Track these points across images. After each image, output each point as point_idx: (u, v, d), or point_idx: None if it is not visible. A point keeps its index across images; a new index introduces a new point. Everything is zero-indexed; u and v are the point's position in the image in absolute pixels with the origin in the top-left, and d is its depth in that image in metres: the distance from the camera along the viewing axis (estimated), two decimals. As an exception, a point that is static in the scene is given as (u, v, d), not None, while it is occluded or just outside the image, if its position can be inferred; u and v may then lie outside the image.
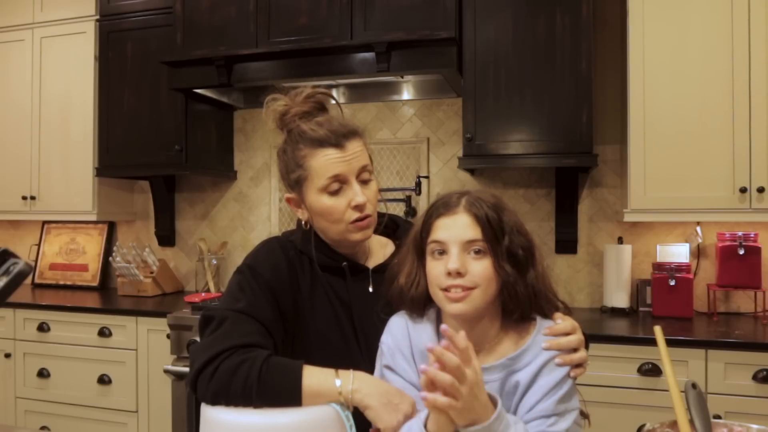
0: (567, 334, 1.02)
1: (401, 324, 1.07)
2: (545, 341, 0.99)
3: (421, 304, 1.05)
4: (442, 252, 0.99)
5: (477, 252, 0.97)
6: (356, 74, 2.59)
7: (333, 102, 1.27)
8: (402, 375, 1.03)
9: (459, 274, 0.96)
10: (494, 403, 0.88)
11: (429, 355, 0.85)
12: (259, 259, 1.19)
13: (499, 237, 0.98)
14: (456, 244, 0.97)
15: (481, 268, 0.97)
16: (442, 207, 1.01)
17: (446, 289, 0.97)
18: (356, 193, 1.14)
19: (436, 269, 0.99)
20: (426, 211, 1.04)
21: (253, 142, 3.31)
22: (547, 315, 1.04)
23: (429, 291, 1.02)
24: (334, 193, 1.15)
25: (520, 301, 1.00)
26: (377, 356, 1.10)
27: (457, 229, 0.98)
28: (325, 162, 1.14)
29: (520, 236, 1.00)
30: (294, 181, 1.19)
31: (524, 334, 1.02)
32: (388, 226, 1.32)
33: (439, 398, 0.83)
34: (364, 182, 1.17)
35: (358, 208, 1.15)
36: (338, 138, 1.14)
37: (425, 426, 0.90)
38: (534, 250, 1.02)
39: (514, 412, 0.97)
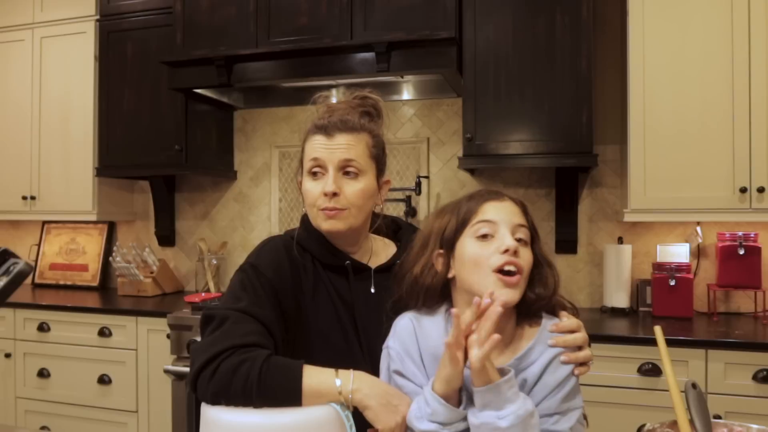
0: (572, 331, 1.02)
1: (408, 327, 1.06)
2: (551, 338, 1.00)
3: (436, 296, 1.06)
4: (485, 236, 1.00)
5: (519, 240, 1.00)
6: (356, 74, 2.59)
7: (378, 106, 1.30)
8: (413, 380, 1.03)
9: (515, 252, 0.97)
10: (505, 372, 0.91)
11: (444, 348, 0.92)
12: (261, 258, 1.20)
13: (535, 232, 1.04)
14: (506, 224, 1.00)
15: (528, 255, 1.00)
16: (487, 194, 1.05)
17: (500, 270, 0.97)
18: (328, 182, 1.16)
19: (484, 251, 0.98)
20: (465, 200, 1.06)
21: (253, 142, 3.31)
22: (555, 314, 1.05)
23: (466, 278, 1.00)
24: (314, 178, 1.19)
25: (546, 292, 1.02)
26: (382, 360, 1.09)
27: (506, 212, 1.01)
28: (311, 146, 1.20)
29: (540, 239, 1.06)
30: (299, 161, 1.25)
31: (530, 332, 1.03)
32: (391, 228, 1.33)
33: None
34: (349, 178, 1.18)
35: (326, 195, 1.16)
36: (330, 128, 1.19)
37: (432, 389, 0.93)
38: (548, 256, 1.07)
39: None
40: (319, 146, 1.18)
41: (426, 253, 1.06)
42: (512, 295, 0.96)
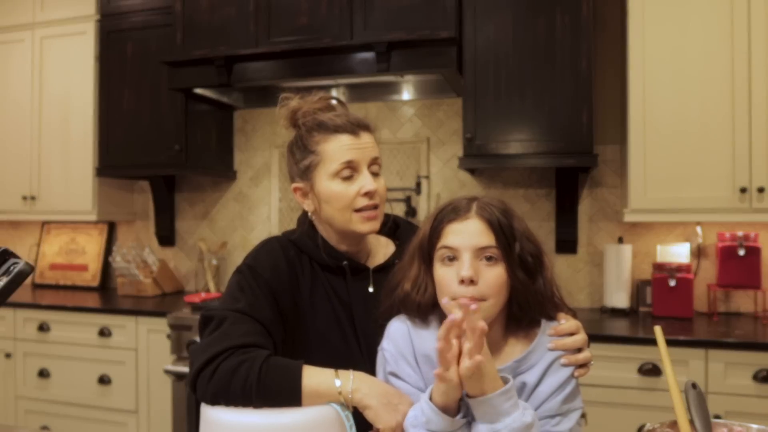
0: (571, 334, 1.02)
1: (402, 329, 1.05)
2: (550, 341, 1.00)
3: (428, 311, 1.04)
4: (453, 258, 0.97)
5: (489, 259, 0.95)
6: (356, 74, 2.59)
7: (340, 105, 1.28)
8: (408, 381, 1.02)
9: (471, 281, 0.94)
10: (506, 382, 0.89)
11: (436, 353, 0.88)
12: (259, 259, 1.19)
13: (511, 243, 0.96)
14: (468, 250, 0.95)
15: (493, 276, 0.95)
16: (452, 212, 0.99)
17: (456, 299, 0.94)
18: (367, 180, 1.15)
19: (447, 276, 0.97)
20: (433, 216, 1.02)
21: (253, 142, 3.31)
22: (552, 318, 1.04)
23: (437, 297, 1.00)
24: (346, 179, 1.16)
25: (529, 308, 0.99)
26: (378, 362, 1.09)
27: (469, 235, 0.96)
28: (339, 147, 1.16)
29: (530, 243, 0.99)
30: (304, 168, 1.20)
31: (530, 336, 1.02)
32: (390, 227, 1.32)
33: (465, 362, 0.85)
34: (375, 174, 1.18)
35: (369, 195, 1.15)
36: (354, 127, 1.17)
37: (431, 399, 0.92)
38: (543, 257, 1.01)
39: None
40: (349, 147, 1.16)
41: (413, 267, 1.04)
42: (474, 322, 0.91)
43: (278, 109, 1.25)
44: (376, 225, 1.19)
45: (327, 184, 1.17)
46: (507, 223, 0.97)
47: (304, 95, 1.25)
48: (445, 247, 0.97)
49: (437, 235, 0.99)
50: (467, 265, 0.94)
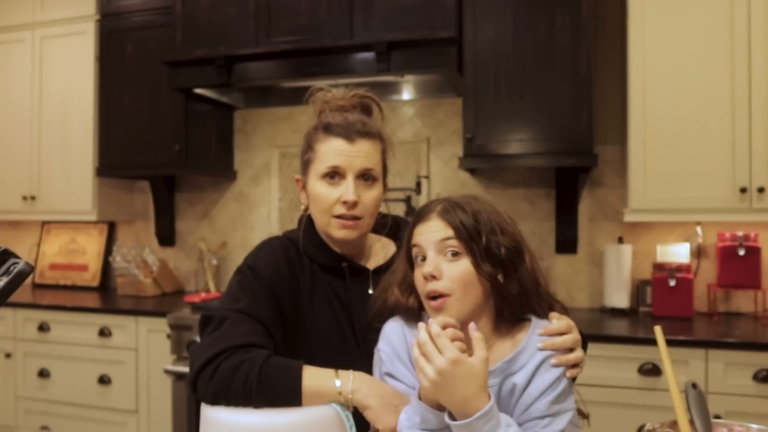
0: (562, 333, 1.00)
1: (397, 329, 1.06)
2: (540, 341, 0.98)
3: (417, 313, 1.05)
4: (424, 258, 0.99)
5: (454, 254, 0.97)
6: (356, 74, 2.59)
7: (376, 107, 1.28)
8: (403, 381, 1.02)
9: (433, 277, 0.96)
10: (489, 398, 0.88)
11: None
12: (259, 259, 1.19)
13: (473, 237, 0.97)
14: (431, 246, 0.98)
15: (456, 270, 0.96)
16: (420, 215, 1.02)
17: (428, 296, 0.97)
18: (348, 190, 1.15)
19: (418, 275, 1.00)
20: (413, 216, 1.05)
21: (253, 142, 3.31)
22: (542, 315, 1.03)
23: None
24: (331, 183, 1.16)
25: (511, 302, 1.00)
26: (374, 364, 1.09)
27: (430, 232, 0.99)
28: (330, 149, 1.16)
29: (503, 236, 0.98)
30: (304, 162, 1.22)
31: (519, 336, 1.01)
32: (391, 228, 1.32)
33: (417, 373, 0.87)
34: (366, 185, 1.17)
35: (346, 204, 1.15)
36: (351, 132, 1.16)
37: (419, 398, 0.92)
38: (521, 249, 1.00)
39: (511, 415, 0.96)
40: (339, 152, 1.15)
41: (399, 271, 1.06)
42: (444, 319, 0.92)
43: (311, 100, 1.25)
44: (351, 234, 1.17)
45: (314, 183, 1.18)
46: (469, 217, 0.98)
47: (343, 89, 1.25)
48: (414, 245, 1.01)
49: (409, 237, 1.03)
50: (429, 262, 0.97)
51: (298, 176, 1.25)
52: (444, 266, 0.97)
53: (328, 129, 1.17)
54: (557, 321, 1.02)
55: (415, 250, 1.01)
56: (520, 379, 0.97)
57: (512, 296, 0.99)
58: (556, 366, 0.97)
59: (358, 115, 1.22)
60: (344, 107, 1.23)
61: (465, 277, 0.96)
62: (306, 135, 1.24)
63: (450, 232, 0.97)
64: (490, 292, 0.99)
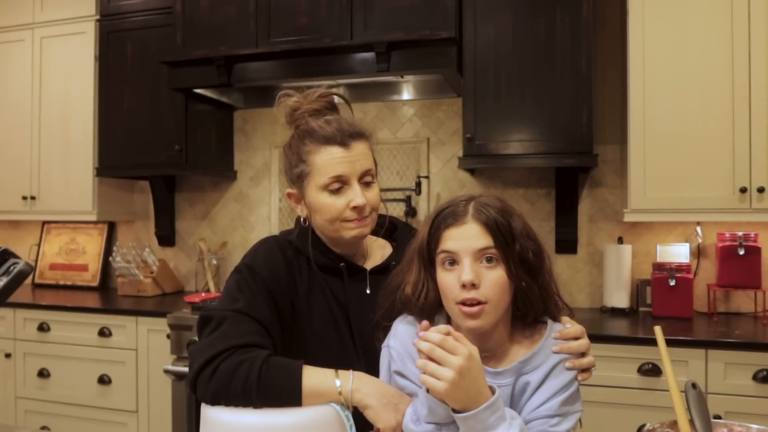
0: (576, 338, 1.03)
1: (410, 329, 1.05)
2: (555, 345, 1.01)
3: (432, 312, 1.04)
4: (453, 262, 0.97)
5: (489, 260, 0.96)
6: (356, 74, 2.59)
7: (343, 103, 1.27)
8: (413, 380, 1.02)
9: (473, 285, 0.94)
10: (493, 392, 0.89)
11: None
12: (257, 259, 1.19)
13: (509, 243, 0.96)
14: (468, 254, 0.95)
15: (494, 277, 0.95)
16: (450, 217, 0.99)
17: (462, 303, 0.95)
18: (356, 195, 1.14)
19: (448, 280, 0.97)
20: (431, 220, 1.02)
21: (253, 142, 3.31)
22: (554, 316, 1.05)
23: (442, 301, 1.00)
24: (335, 192, 1.15)
25: (533, 305, 1.00)
26: (381, 359, 1.09)
27: (467, 239, 0.96)
28: (328, 160, 1.14)
29: (530, 240, 0.99)
30: (296, 176, 1.19)
31: (535, 337, 1.03)
32: (387, 228, 1.32)
33: (428, 379, 0.86)
34: (366, 185, 1.18)
35: (357, 209, 1.15)
36: (344, 137, 1.15)
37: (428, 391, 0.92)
38: (543, 254, 1.02)
39: (520, 412, 0.98)
40: (338, 159, 1.14)
41: (413, 270, 1.04)
42: (477, 325, 0.95)
43: (276, 108, 1.24)
44: (365, 231, 1.18)
45: (316, 195, 1.16)
46: (505, 222, 0.97)
47: (305, 92, 1.23)
48: (445, 251, 0.98)
49: (436, 240, 1.00)
50: (468, 269, 0.94)
51: (290, 190, 1.23)
52: (483, 273, 0.95)
53: (319, 138, 1.15)
54: (570, 325, 1.05)
55: (444, 255, 0.98)
56: (534, 378, 0.99)
57: (537, 300, 1.00)
58: (569, 369, 1.00)
59: (335, 115, 1.21)
60: (318, 110, 1.20)
61: (502, 285, 0.96)
62: (288, 147, 1.21)
63: (489, 241, 0.95)
64: (514, 296, 1.00)
